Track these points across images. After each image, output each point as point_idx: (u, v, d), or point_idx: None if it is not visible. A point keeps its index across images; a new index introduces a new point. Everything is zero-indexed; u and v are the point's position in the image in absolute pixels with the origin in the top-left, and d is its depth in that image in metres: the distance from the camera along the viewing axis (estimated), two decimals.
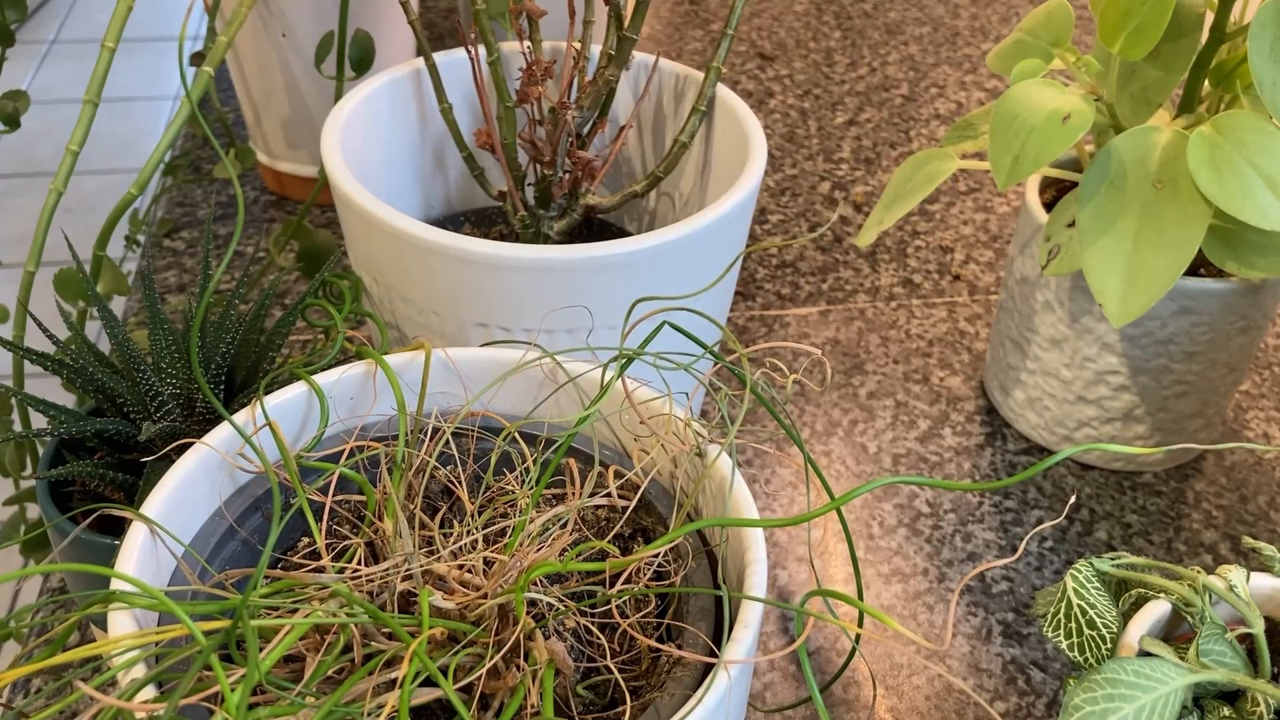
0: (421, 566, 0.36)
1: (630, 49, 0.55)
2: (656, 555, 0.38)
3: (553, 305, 0.48)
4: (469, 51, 0.57)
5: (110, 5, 0.54)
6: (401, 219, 0.48)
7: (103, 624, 0.44)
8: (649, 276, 0.49)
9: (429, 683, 0.33)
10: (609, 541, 0.39)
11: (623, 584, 0.38)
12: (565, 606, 0.36)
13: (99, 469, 0.47)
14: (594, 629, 0.37)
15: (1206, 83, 0.55)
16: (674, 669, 0.34)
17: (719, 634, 0.36)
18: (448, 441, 0.42)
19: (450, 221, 0.63)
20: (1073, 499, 0.62)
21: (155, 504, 0.37)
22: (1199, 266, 0.57)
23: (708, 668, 0.34)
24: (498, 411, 0.44)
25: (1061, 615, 0.41)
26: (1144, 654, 0.39)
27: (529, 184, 0.59)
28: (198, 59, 0.66)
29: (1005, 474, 0.63)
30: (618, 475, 0.41)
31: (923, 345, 0.71)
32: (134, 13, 0.54)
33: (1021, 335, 0.62)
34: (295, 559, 0.40)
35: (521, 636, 0.34)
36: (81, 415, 0.47)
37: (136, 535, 0.36)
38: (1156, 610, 0.41)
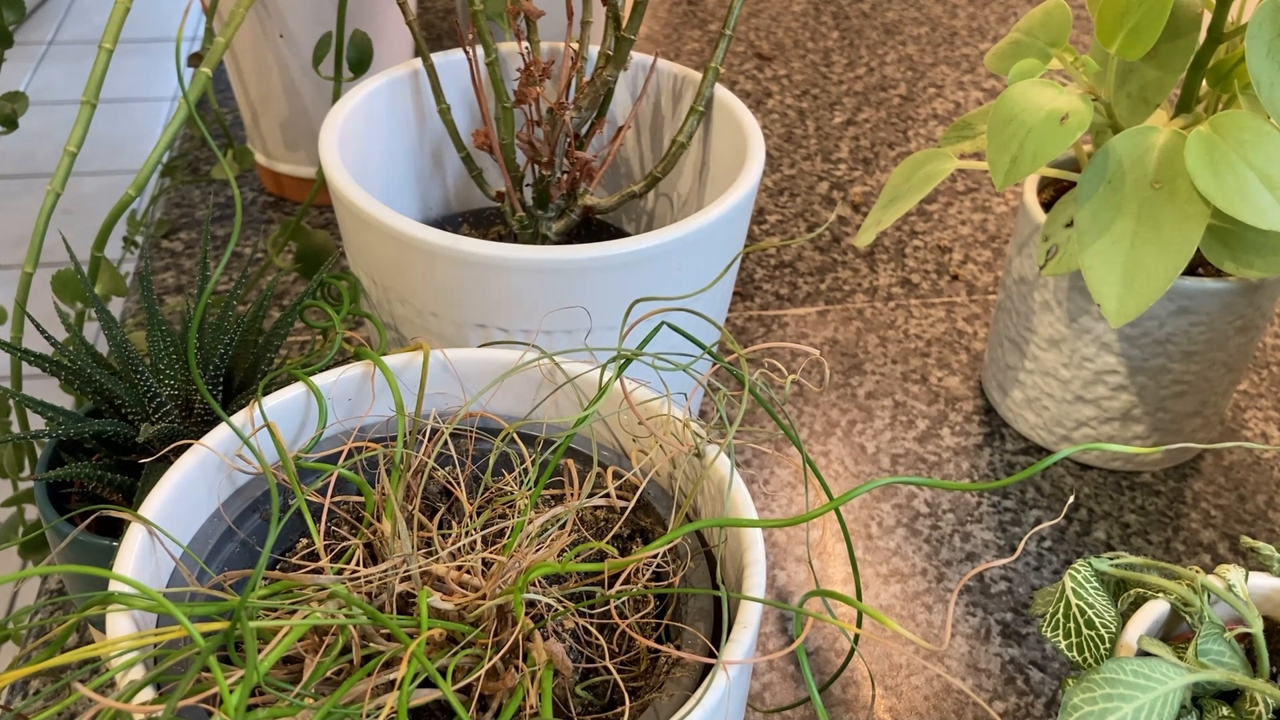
0: (420, 567, 0.36)
1: (628, 49, 0.55)
2: (655, 556, 0.38)
3: (551, 306, 0.48)
4: (467, 52, 0.57)
5: (108, 6, 0.54)
6: (399, 220, 0.48)
7: (101, 625, 0.44)
8: (647, 277, 0.49)
9: (428, 684, 0.33)
10: (608, 542, 0.39)
11: (621, 585, 0.38)
12: (564, 607, 0.36)
13: (97, 470, 0.47)
14: (593, 630, 0.37)
15: (1204, 83, 0.55)
16: (673, 670, 0.34)
17: (718, 634, 0.36)
18: (446, 442, 0.42)
19: (448, 222, 0.63)
20: (1071, 499, 0.62)
21: (153, 505, 0.37)
22: (1197, 266, 0.57)
23: (707, 668, 0.34)
24: (496, 412, 0.44)
25: (1060, 615, 0.41)
26: (1143, 654, 0.39)
27: (527, 184, 0.59)
28: (195, 60, 0.66)
29: (1004, 474, 0.63)
30: (616, 476, 0.41)
31: (921, 345, 0.71)
32: (131, 14, 0.54)
33: (1020, 335, 0.62)
34: (294, 560, 0.40)
35: (520, 637, 0.34)
36: (79, 417, 0.47)
37: (135, 537, 0.36)
38: (1155, 610, 0.41)
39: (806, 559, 0.58)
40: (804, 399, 0.67)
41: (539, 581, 0.38)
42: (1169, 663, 0.37)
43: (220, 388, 0.49)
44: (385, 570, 0.36)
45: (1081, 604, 0.41)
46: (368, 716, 0.32)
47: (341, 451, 0.41)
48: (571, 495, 0.40)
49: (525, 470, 0.41)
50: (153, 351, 0.48)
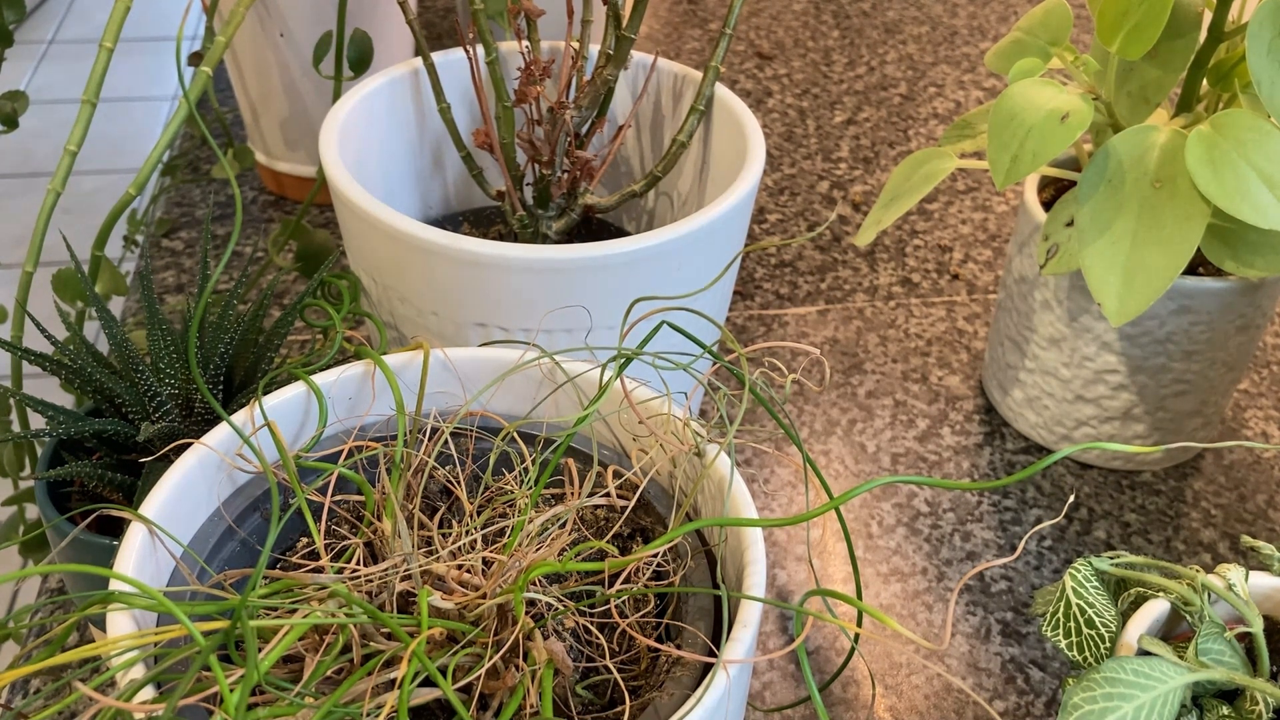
0: (420, 566, 0.36)
1: (628, 48, 0.55)
2: (655, 555, 0.38)
3: (551, 305, 0.48)
4: (467, 51, 0.57)
5: (108, 5, 0.54)
6: (400, 219, 0.48)
7: (101, 624, 0.44)
8: (648, 276, 0.49)
9: (428, 683, 0.33)
10: (608, 541, 0.39)
11: (622, 584, 0.38)
12: (564, 606, 0.36)
13: (97, 469, 0.47)
14: (593, 629, 0.37)
15: (1205, 82, 0.55)
16: (673, 669, 0.34)
17: (718, 634, 0.36)
18: (446, 441, 0.42)
19: (449, 221, 0.63)
20: (1071, 498, 0.62)
21: (154, 504, 0.37)
22: (1197, 265, 0.57)
23: (707, 667, 0.34)
24: (496, 411, 0.44)
25: (1060, 614, 0.41)
26: (1143, 653, 0.39)
27: (527, 184, 0.59)
28: (196, 59, 0.66)
29: (1004, 473, 0.63)
30: (616, 475, 0.41)
31: (921, 344, 0.71)
32: (132, 13, 0.54)
33: (1020, 334, 0.62)
34: (294, 559, 0.40)
35: (520, 636, 0.34)
36: (80, 416, 0.47)
37: (135, 536, 0.36)
38: (1155, 609, 0.41)
39: (807, 558, 0.58)
40: (804, 398, 0.67)
41: (539, 580, 0.38)
42: (1169, 662, 0.37)
43: (220, 387, 0.49)
44: (385, 569, 0.36)
45: (1082, 603, 0.41)
46: (368, 715, 0.32)
47: (342, 451, 0.41)
48: (572, 494, 0.40)
49: (525, 469, 0.41)
50: (153, 351, 0.48)
